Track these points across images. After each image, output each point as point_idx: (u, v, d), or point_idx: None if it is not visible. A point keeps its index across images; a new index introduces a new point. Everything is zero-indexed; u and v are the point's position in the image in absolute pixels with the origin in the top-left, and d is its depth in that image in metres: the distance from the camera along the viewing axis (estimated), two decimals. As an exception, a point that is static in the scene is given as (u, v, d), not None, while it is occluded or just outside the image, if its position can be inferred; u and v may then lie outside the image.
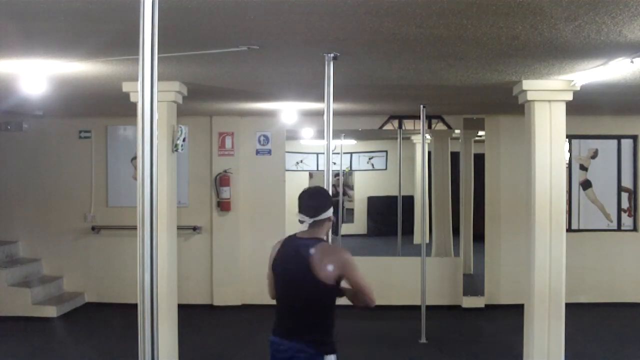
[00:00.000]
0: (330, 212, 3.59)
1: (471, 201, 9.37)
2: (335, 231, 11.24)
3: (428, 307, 7.51)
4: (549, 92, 5.66)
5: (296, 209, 3.58)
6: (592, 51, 4.28)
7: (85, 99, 7.10)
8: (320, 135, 8.59)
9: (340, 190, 12.49)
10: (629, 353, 7.01)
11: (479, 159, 9.33)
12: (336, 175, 12.16)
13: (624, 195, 9.24)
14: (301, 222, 3.57)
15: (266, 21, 3.57)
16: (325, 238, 3.65)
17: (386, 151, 13.05)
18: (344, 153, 12.59)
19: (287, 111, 8.25)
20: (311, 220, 3.53)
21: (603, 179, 9.24)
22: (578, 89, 5.61)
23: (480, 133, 9.45)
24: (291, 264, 3.53)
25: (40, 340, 7.57)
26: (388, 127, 9.32)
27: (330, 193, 3.85)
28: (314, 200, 3.60)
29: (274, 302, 3.68)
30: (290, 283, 3.55)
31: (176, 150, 6.09)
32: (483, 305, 9.06)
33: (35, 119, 9.04)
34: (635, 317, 8.60)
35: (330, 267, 3.42)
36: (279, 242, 3.70)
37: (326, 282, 3.42)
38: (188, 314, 7.43)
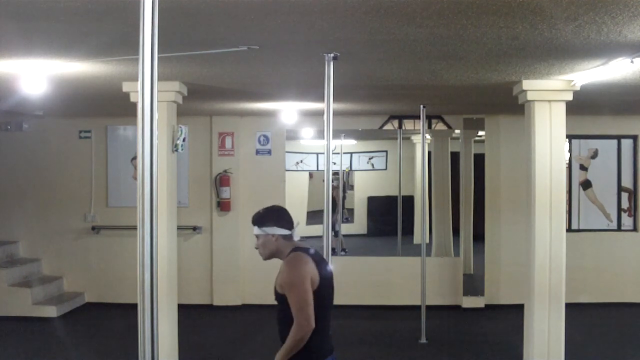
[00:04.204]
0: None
1: (471, 201, 9.36)
2: (336, 231, 11.25)
3: (428, 307, 7.51)
4: (549, 92, 5.67)
5: (295, 209, 3.57)
6: (592, 51, 4.28)
7: (85, 99, 7.10)
8: (320, 135, 8.60)
9: (340, 189, 12.50)
10: (629, 353, 7.01)
11: (479, 159, 9.33)
12: (335, 173, 12.11)
13: (624, 195, 9.24)
14: (293, 236, 3.49)
15: (266, 21, 3.57)
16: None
17: (386, 151, 13.05)
18: (344, 153, 12.59)
19: (287, 111, 8.24)
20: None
21: (603, 179, 9.23)
22: (578, 89, 5.62)
23: (480, 133, 9.44)
24: (328, 278, 3.44)
25: (40, 340, 7.57)
26: (388, 127, 9.32)
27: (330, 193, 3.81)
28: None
29: (274, 302, 3.57)
30: (330, 298, 3.47)
31: (176, 150, 6.09)
32: (483, 305, 9.05)
33: (35, 119, 9.03)
34: (635, 317, 8.59)
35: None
36: (305, 257, 3.36)
37: None
38: (188, 313, 7.44)
